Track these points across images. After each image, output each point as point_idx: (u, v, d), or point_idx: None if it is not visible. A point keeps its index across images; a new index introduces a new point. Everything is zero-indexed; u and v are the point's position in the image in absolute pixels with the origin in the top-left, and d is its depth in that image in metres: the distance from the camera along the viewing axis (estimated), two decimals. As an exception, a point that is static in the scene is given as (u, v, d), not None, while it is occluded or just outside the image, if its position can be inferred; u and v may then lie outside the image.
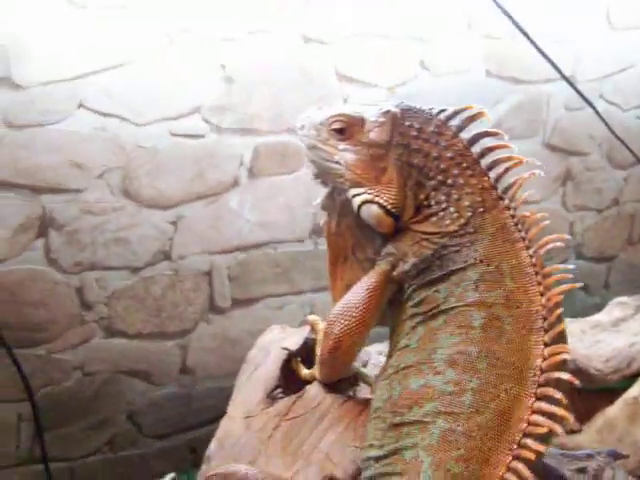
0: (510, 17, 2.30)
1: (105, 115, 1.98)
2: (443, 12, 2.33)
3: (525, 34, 2.34)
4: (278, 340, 1.64)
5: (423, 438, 1.15)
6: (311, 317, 1.62)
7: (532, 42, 2.36)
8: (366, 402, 1.39)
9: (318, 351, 1.50)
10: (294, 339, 1.61)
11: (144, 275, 2.15)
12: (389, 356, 1.33)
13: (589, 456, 1.43)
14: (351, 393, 1.51)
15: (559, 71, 2.44)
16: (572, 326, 2.14)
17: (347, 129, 1.36)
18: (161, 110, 2.04)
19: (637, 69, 2.71)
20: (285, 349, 1.58)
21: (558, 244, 1.20)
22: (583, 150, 2.73)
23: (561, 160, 2.70)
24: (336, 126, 1.37)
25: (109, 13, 1.92)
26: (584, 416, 2.05)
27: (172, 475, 2.16)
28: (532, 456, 1.07)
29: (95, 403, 2.20)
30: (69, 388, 2.15)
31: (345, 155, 1.36)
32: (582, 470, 1.39)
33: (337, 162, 1.36)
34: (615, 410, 2.03)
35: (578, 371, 2.07)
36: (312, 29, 2.16)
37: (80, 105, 1.95)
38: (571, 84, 2.51)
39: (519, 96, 2.55)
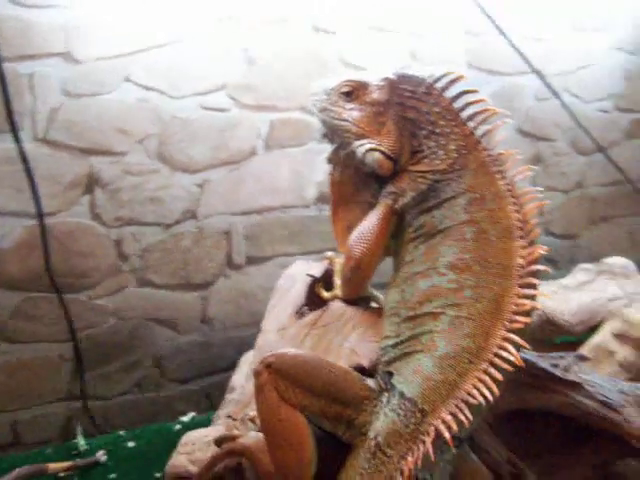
0: (489, 17, 2.61)
1: (147, 89, 2.22)
2: (432, 10, 2.59)
3: (502, 32, 2.65)
4: (302, 271, 1.88)
5: (435, 325, 1.41)
6: (329, 253, 1.90)
7: (507, 39, 2.68)
8: (382, 311, 1.60)
9: (337, 279, 1.77)
10: (316, 269, 1.85)
11: (174, 232, 2.37)
12: (395, 272, 1.58)
13: (560, 357, 1.74)
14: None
15: (530, 65, 2.75)
16: (544, 288, 2.39)
17: (354, 92, 1.62)
18: (194, 86, 2.28)
19: (597, 67, 2.98)
20: (310, 275, 1.83)
21: (528, 174, 1.48)
22: (551, 136, 2.99)
23: (532, 144, 2.96)
24: (344, 90, 1.63)
25: (153, 1, 2.17)
26: (553, 364, 2.35)
27: (193, 414, 2.41)
28: (521, 326, 1.36)
29: (127, 347, 2.41)
30: (105, 332, 2.35)
31: (352, 113, 1.61)
32: (555, 365, 1.69)
33: (345, 120, 1.62)
34: (580, 355, 2.32)
35: (550, 322, 2.36)
36: (321, 20, 2.41)
37: (127, 79, 2.18)
38: (541, 77, 2.81)
39: (495, 86, 2.80)
